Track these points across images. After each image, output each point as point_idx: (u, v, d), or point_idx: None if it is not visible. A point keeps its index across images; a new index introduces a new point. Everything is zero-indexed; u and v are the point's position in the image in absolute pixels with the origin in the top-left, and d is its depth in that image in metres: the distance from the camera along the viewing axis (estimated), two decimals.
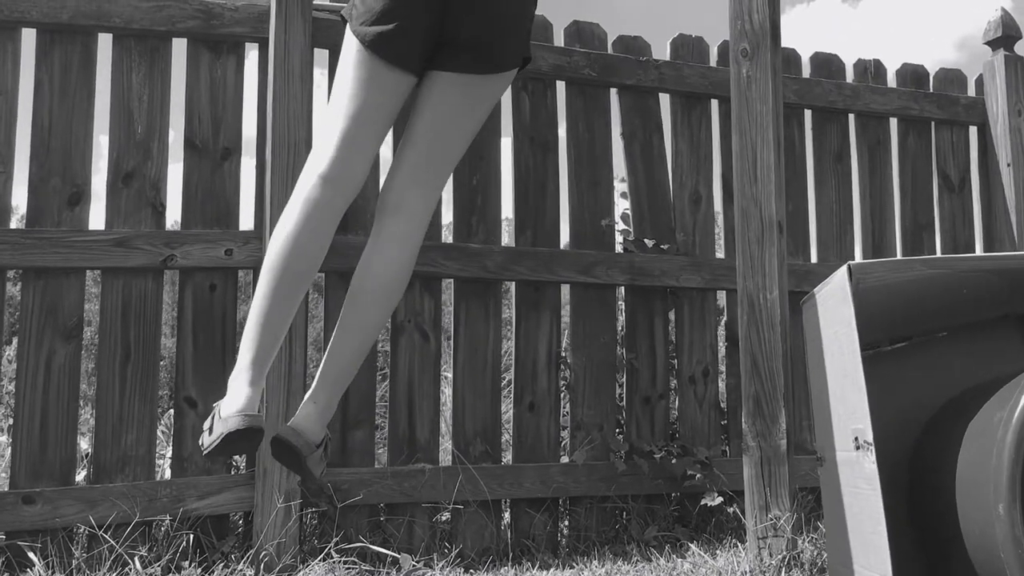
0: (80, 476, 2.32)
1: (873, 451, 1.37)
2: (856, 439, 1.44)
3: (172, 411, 2.33)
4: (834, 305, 1.51)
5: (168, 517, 2.17)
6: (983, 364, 1.58)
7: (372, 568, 2.16)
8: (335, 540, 2.21)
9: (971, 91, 3.29)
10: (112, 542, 2.07)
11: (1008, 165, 3.16)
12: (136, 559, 2.05)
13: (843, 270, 1.43)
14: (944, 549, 1.40)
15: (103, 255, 2.25)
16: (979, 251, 3.26)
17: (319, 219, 1.79)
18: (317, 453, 1.77)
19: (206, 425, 1.74)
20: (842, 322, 1.47)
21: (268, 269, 1.77)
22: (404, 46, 1.82)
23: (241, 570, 2.09)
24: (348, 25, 1.88)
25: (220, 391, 2.29)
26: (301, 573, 2.07)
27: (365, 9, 1.83)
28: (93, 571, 2.03)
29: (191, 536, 2.17)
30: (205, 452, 1.71)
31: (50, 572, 1.98)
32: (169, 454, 2.35)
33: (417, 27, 1.81)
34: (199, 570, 2.06)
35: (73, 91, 2.31)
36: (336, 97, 1.88)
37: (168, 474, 2.33)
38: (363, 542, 2.24)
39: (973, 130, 3.27)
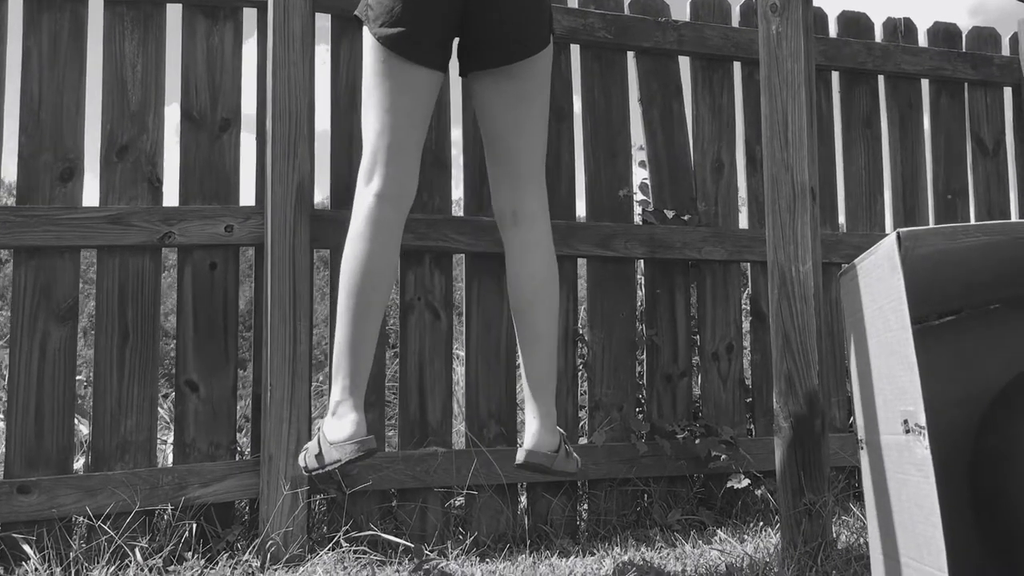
0: (78, 464, 2.23)
1: (926, 435, 1.25)
2: (905, 422, 1.32)
3: (173, 395, 2.23)
4: (880, 276, 1.38)
5: (170, 506, 2.07)
6: None
7: (383, 557, 2.06)
8: (344, 528, 2.12)
9: (1005, 51, 3.14)
10: (111, 533, 1.98)
11: None
12: (137, 550, 1.96)
13: (892, 238, 1.31)
14: (1013, 545, 1.28)
15: (98, 233, 2.14)
16: (1015, 217, 3.11)
17: (386, 236, 1.83)
18: (559, 455, 1.87)
19: (311, 449, 1.82)
20: (889, 295, 1.35)
21: (346, 295, 1.81)
22: (425, 43, 1.83)
23: (247, 560, 2.00)
24: (366, 27, 1.87)
25: (223, 374, 2.21)
26: (309, 563, 1.98)
27: (382, 10, 1.83)
28: (92, 564, 1.94)
29: (194, 525, 2.08)
30: (312, 473, 1.82)
31: (46, 565, 1.89)
32: (171, 440, 2.26)
33: (435, 23, 1.83)
34: (203, 561, 1.97)
35: (63, 61, 2.20)
36: (370, 108, 1.89)
37: (170, 461, 2.24)
38: (374, 530, 2.14)
39: (1007, 91, 3.12)
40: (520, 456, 1.85)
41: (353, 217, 1.85)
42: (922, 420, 1.26)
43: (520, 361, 1.95)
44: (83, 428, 2.43)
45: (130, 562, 1.94)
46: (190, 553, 2.00)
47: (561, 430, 1.94)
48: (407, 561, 2.05)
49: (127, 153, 2.22)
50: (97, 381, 2.13)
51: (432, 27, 1.83)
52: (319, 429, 1.83)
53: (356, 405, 1.77)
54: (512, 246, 1.94)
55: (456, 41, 1.97)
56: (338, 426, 1.75)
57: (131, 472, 2.09)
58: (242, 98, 2.33)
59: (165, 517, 2.09)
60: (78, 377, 2.66)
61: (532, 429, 1.87)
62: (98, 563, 1.93)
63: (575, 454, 1.96)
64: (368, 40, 1.87)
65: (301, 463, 1.88)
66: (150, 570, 1.91)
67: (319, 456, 1.76)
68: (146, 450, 2.14)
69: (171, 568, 1.94)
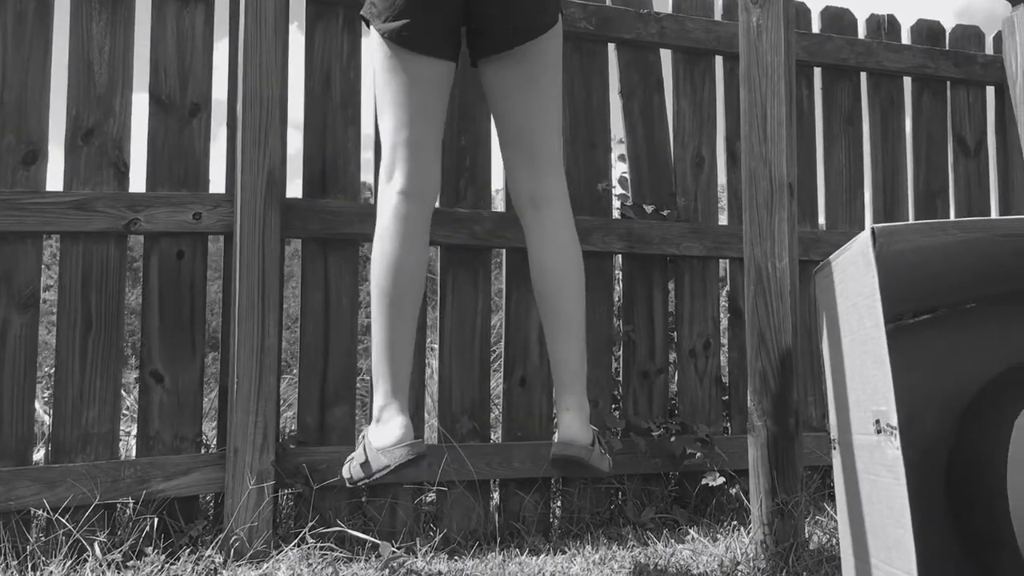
0: (38, 455, 2.18)
1: (897, 436, 1.23)
2: (877, 422, 1.30)
3: (137, 386, 2.18)
4: (854, 273, 1.36)
5: (131, 499, 2.02)
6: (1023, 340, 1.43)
7: (350, 554, 2.02)
8: (311, 524, 2.07)
9: (988, 49, 3.12)
10: (70, 526, 1.93)
11: None
12: (96, 545, 1.91)
13: (866, 234, 1.28)
14: (991, 550, 1.25)
15: (61, 218, 2.09)
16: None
17: (413, 233, 1.80)
18: (595, 451, 1.79)
19: (356, 458, 1.76)
20: (863, 292, 1.32)
21: (379, 296, 1.77)
22: (429, 34, 1.82)
23: (209, 556, 1.95)
24: (372, 25, 1.86)
25: (189, 365, 2.15)
26: (273, 559, 1.93)
27: (385, 5, 1.82)
28: (49, 557, 1.89)
29: (156, 520, 2.03)
30: (357, 484, 1.77)
31: (2, 558, 1.84)
32: (134, 432, 2.20)
33: (438, 12, 1.82)
34: (163, 556, 1.92)
35: (28, 41, 2.13)
36: (384, 105, 1.87)
37: (133, 453, 2.19)
38: (341, 526, 2.10)
39: (990, 90, 3.10)
40: (554, 450, 1.78)
41: (378, 216, 1.83)
42: (894, 420, 1.23)
43: (549, 351, 1.89)
44: (47, 419, 2.38)
45: (88, 556, 1.89)
46: (151, 548, 1.95)
47: (595, 428, 1.89)
48: (374, 558, 2.01)
49: (93, 137, 2.16)
50: (59, 371, 2.08)
51: (435, 16, 1.82)
52: (363, 437, 1.78)
53: (401, 408, 1.73)
54: (532, 231, 1.90)
55: (464, 31, 1.95)
56: (385, 431, 1.70)
57: (92, 464, 2.03)
58: (214, 84, 2.28)
59: (127, 511, 2.04)
60: (52, 370, 2.61)
61: (565, 421, 1.80)
62: (55, 557, 1.88)
63: (607, 454, 1.90)
64: (375, 38, 1.86)
65: (345, 474, 1.82)
66: (109, 565, 1.86)
67: (365, 464, 1.71)
68: (108, 442, 2.09)
69: (131, 563, 1.90)
